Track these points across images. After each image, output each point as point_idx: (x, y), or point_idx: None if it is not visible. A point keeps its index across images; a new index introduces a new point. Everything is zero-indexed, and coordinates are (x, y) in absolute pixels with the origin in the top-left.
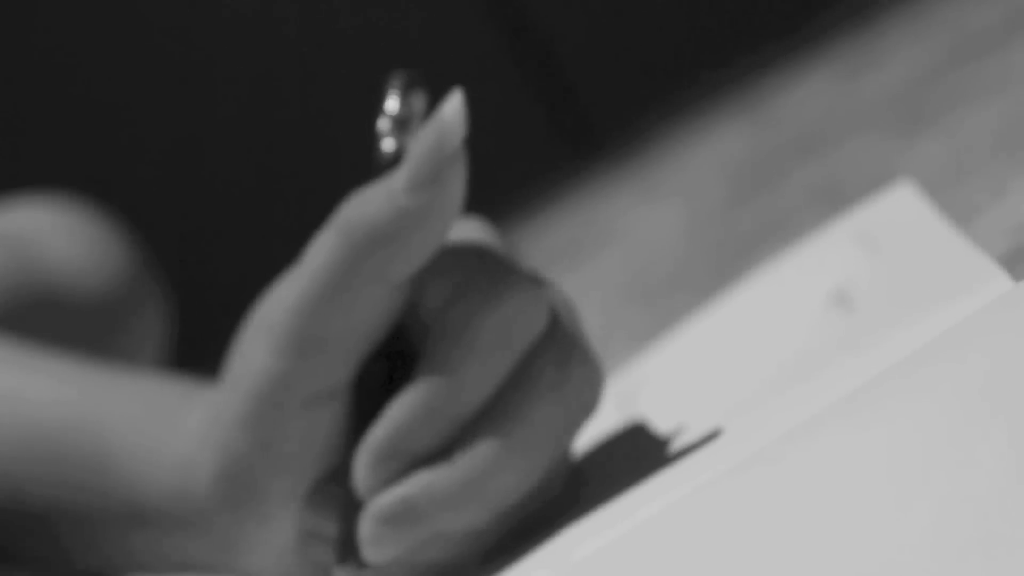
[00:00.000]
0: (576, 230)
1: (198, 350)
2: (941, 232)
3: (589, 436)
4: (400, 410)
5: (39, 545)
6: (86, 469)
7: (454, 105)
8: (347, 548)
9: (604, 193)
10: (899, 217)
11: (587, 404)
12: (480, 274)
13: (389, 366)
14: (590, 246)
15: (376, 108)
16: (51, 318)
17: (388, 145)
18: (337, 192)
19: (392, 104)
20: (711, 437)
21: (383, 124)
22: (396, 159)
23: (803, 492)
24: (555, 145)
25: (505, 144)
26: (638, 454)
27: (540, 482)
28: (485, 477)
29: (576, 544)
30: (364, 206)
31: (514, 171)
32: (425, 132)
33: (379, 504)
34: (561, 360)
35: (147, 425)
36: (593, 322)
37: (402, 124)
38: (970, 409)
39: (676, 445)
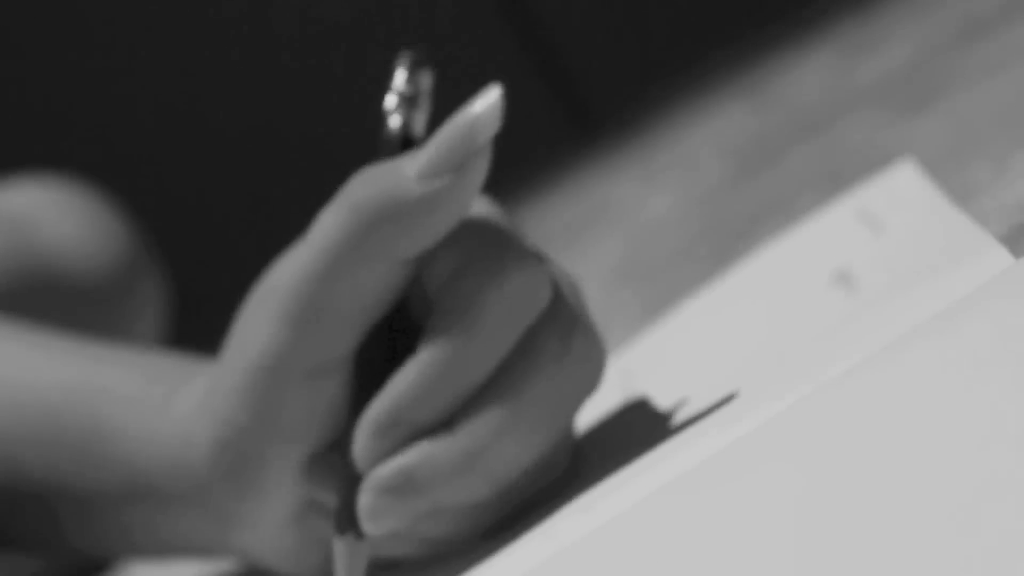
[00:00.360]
0: (577, 210)
1: (196, 332)
2: (943, 210)
3: (590, 414)
4: (402, 382)
5: (34, 526)
6: (83, 444)
7: (492, 100)
8: (346, 520)
9: (604, 174)
10: (901, 196)
11: (589, 379)
12: (484, 249)
13: (391, 339)
14: (591, 226)
15: (382, 86)
16: (49, 298)
17: (395, 122)
18: (337, 173)
19: (400, 81)
20: (710, 416)
21: (390, 101)
22: (403, 136)
23: (805, 468)
24: (556, 126)
25: (506, 125)
26: (639, 432)
27: (542, 459)
28: (486, 449)
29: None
30: (377, 183)
31: (515, 152)
32: (457, 120)
33: (378, 474)
34: (563, 335)
35: (144, 399)
36: (594, 301)
37: (409, 101)
38: (971, 385)
39: (676, 424)
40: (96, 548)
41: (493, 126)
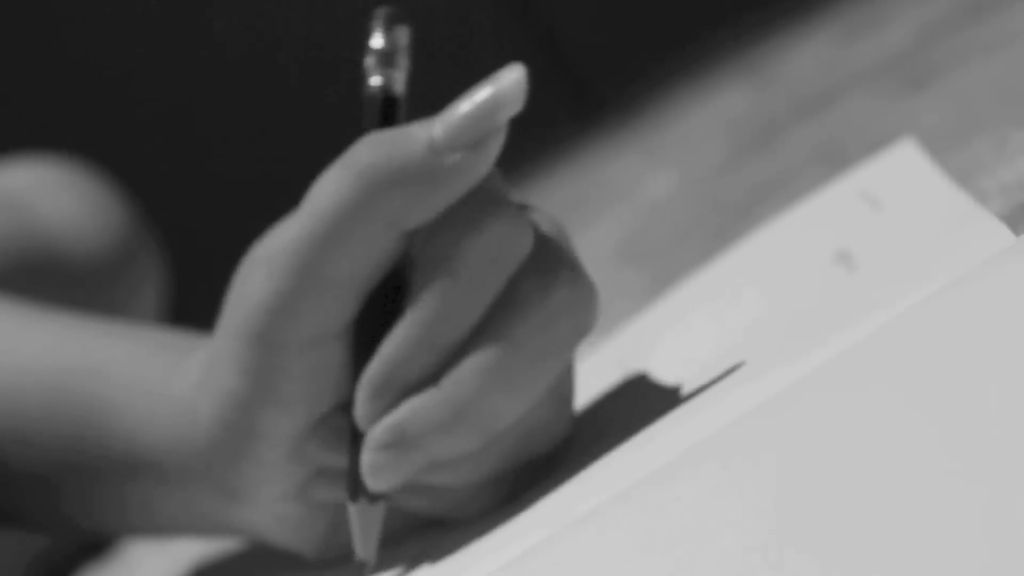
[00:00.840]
0: (577, 190)
1: (194, 311)
2: (944, 189)
3: (589, 393)
4: (391, 343)
5: (37, 503)
6: (83, 420)
7: (516, 77)
8: (357, 484)
9: (605, 154)
10: (902, 175)
11: (579, 325)
12: (461, 201)
13: (388, 302)
14: (591, 206)
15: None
16: (48, 277)
17: (375, 81)
18: (335, 148)
19: (377, 40)
20: (710, 394)
21: (369, 61)
22: (384, 95)
23: (805, 446)
24: (556, 106)
25: None
26: (640, 410)
27: (540, 412)
28: (472, 399)
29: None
30: (386, 149)
31: (514, 133)
32: (479, 95)
33: (373, 433)
34: (546, 282)
35: (145, 375)
36: (595, 281)
37: (387, 58)
38: (972, 362)
39: (677, 402)
40: (99, 525)
41: (516, 104)
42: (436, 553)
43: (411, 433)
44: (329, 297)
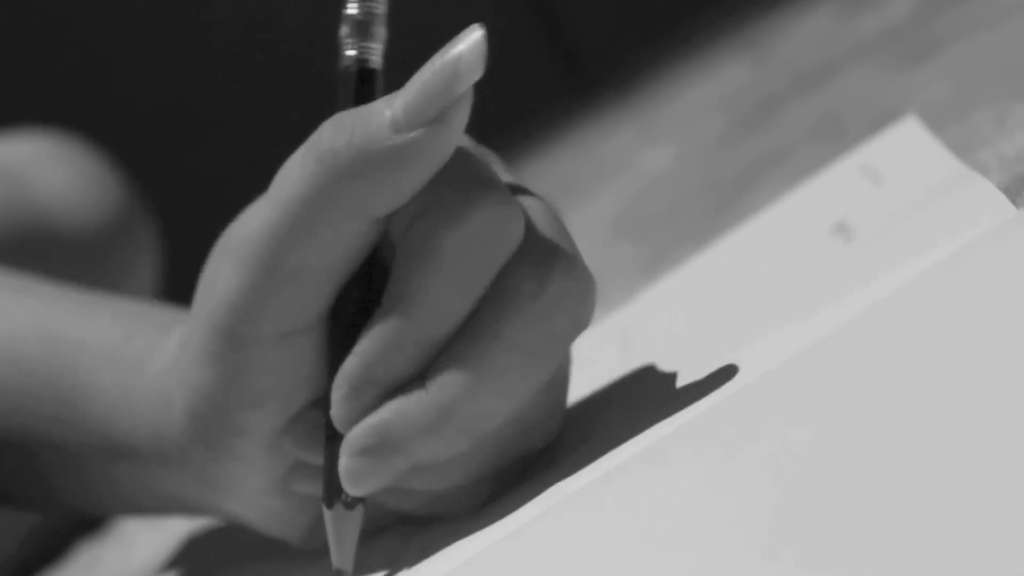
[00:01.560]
0: (574, 166)
1: (189, 284)
2: (944, 163)
3: (586, 374)
4: (369, 339)
5: (21, 480)
6: (60, 399)
7: (475, 43)
8: (333, 487)
9: (602, 129)
10: (903, 150)
11: (574, 319)
12: (445, 186)
13: (365, 292)
14: (588, 182)
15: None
16: (42, 250)
17: (350, 52)
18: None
19: (352, 8)
20: (711, 372)
21: (344, 31)
22: (359, 68)
23: (805, 420)
24: (553, 81)
25: (502, 80)
26: (635, 394)
27: (533, 408)
28: (459, 401)
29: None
30: (347, 133)
31: (511, 108)
32: (435, 64)
33: (353, 436)
34: (540, 273)
35: (121, 355)
36: (591, 257)
37: (363, 28)
38: (973, 334)
39: (673, 381)
40: (86, 504)
41: (476, 71)
42: (418, 548)
43: (393, 437)
44: (298, 289)
